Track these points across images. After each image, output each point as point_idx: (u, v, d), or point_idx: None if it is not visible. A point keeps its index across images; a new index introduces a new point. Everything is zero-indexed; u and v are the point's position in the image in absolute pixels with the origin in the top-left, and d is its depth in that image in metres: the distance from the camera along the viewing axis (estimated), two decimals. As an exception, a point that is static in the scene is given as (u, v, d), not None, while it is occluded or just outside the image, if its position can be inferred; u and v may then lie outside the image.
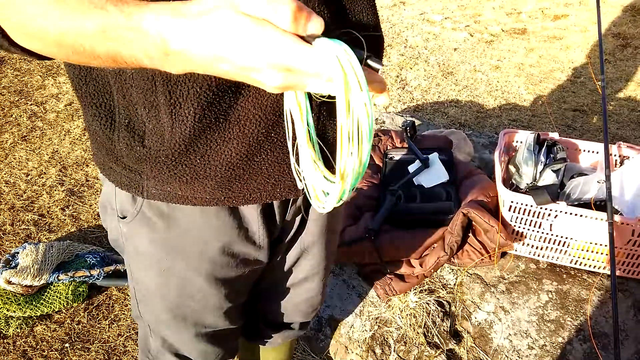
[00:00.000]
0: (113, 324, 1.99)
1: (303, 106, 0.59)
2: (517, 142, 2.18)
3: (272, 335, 1.34)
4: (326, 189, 0.61)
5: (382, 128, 2.72)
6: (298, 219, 1.03)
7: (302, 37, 0.47)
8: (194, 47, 0.51)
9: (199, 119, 0.73)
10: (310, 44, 0.46)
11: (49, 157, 2.73)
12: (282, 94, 0.75)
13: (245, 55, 0.49)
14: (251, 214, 0.92)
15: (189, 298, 1.00)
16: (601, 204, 1.78)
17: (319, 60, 0.47)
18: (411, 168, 2.20)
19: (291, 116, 0.62)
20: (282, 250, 1.08)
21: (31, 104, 3.17)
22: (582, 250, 1.82)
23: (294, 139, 0.67)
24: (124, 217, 0.92)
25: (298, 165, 0.68)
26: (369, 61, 0.49)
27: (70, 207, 2.42)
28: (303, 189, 0.88)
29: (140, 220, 0.90)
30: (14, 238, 2.27)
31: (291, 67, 0.48)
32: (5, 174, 2.60)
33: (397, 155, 2.30)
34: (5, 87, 3.32)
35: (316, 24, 0.48)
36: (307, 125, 0.60)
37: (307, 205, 1.01)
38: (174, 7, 0.51)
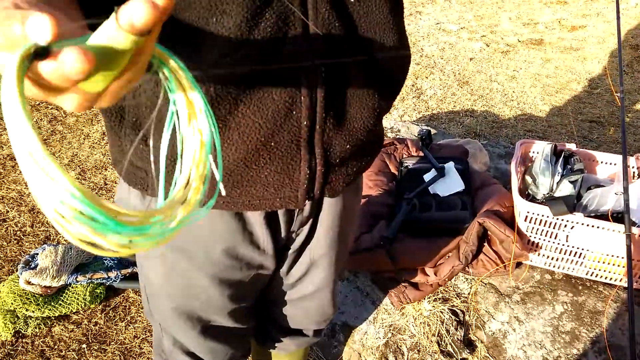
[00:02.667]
0: (129, 325, 2.02)
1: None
2: (533, 152, 2.18)
3: (283, 339, 1.34)
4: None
5: (398, 137, 2.73)
6: (306, 228, 1.02)
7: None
8: None
9: None
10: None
11: (69, 161, 2.77)
12: (284, 105, 0.75)
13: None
14: (255, 218, 0.92)
15: (193, 297, 1.01)
16: (619, 216, 1.77)
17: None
18: (427, 177, 2.21)
19: None
20: (289, 259, 1.07)
21: (52, 108, 3.22)
22: (599, 262, 1.82)
23: None
24: None
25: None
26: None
27: (89, 210, 2.46)
28: (305, 200, 0.87)
29: None
30: (34, 239, 2.31)
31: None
32: (26, 176, 2.66)
33: (412, 164, 2.31)
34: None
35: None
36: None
37: (316, 215, 1.01)
38: None
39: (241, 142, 0.77)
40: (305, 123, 0.78)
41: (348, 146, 0.86)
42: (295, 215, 0.97)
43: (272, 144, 0.79)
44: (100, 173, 2.70)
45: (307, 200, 0.88)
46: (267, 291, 1.17)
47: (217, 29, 0.68)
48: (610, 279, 1.85)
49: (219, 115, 0.75)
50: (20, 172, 2.66)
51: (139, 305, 2.08)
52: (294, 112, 0.77)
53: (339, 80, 0.79)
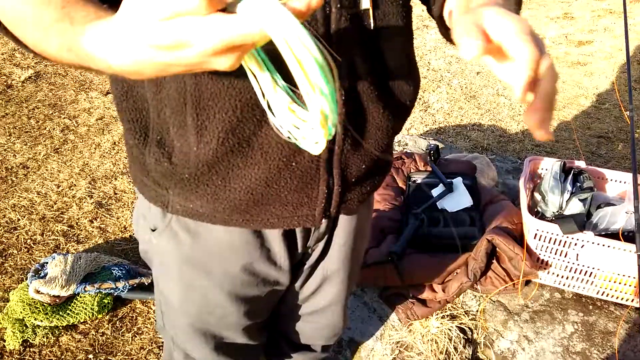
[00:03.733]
0: (136, 336, 2.02)
1: (259, 59, 0.54)
2: (542, 169, 2.19)
3: (292, 355, 1.35)
4: (306, 128, 0.54)
5: (406, 151, 2.74)
6: (321, 244, 1.04)
7: (224, 9, 0.44)
8: (134, 65, 0.50)
9: (222, 142, 0.76)
10: (234, 11, 0.44)
11: (80, 170, 2.79)
12: None
13: (183, 57, 0.47)
14: (273, 235, 0.94)
15: (208, 313, 1.02)
16: (629, 235, 1.77)
17: (249, 23, 0.44)
18: (435, 192, 2.21)
19: (254, 76, 0.57)
20: (303, 274, 1.08)
21: (64, 118, 3.25)
22: (609, 281, 1.81)
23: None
24: (154, 230, 0.96)
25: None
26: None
27: (98, 219, 2.47)
28: (322, 219, 0.90)
29: (169, 233, 0.94)
30: (44, 248, 2.32)
31: (230, 43, 0.45)
32: (37, 184, 2.67)
33: (420, 179, 2.31)
34: (40, 100, 3.41)
35: None
36: (269, 71, 0.54)
37: (331, 231, 1.03)
38: (113, 25, 0.50)
39: (263, 162, 0.79)
40: None
41: (364, 166, 0.88)
42: (312, 231, 0.99)
43: (294, 164, 0.81)
44: (110, 182, 2.71)
45: (323, 219, 0.90)
46: (280, 306, 1.18)
47: None
48: (622, 299, 1.85)
49: (243, 136, 0.77)
50: (32, 180, 2.68)
51: (145, 316, 2.08)
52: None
53: (357, 103, 0.81)
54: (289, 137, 0.57)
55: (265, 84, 0.55)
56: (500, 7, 0.57)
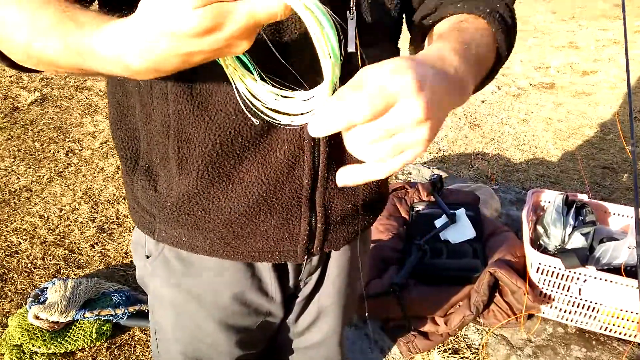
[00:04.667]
0: (134, 365, 2.00)
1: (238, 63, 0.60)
2: (545, 201, 2.18)
3: None
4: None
5: (409, 180, 2.74)
6: (314, 277, 1.02)
7: None
8: (156, 60, 0.51)
9: (202, 174, 0.78)
10: None
11: (83, 194, 2.80)
12: (287, 163, 0.79)
13: (212, 42, 0.49)
14: (264, 265, 0.94)
15: (200, 341, 1.01)
16: (632, 270, 1.76)
17: (272, 4, 0.47)
18: (438, 222, 2.20)
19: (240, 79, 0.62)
20: (297, 307, 1.07)
21: (69, 141, 3.27)
22: (612, 316, 1.79)
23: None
24: (149, 257, 0.97)
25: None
26: None
27: (100, 244, 2.47)
28: (305, 256, 0.89)
29: (162, 261, 0.94)
30: (44, 272, 2.31)
31: (258, 22, 0.48)
32: (40, 208, 2.68)
33: (423, 209, 2.31)
34: (45, 123, 3.44)
35: None
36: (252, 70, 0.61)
37: (325, 264, 1.02)
38: (128, 24, 0.51)
39: (243, 196, 0.80)
40: (307, 181, 0.81)
41: (349, 205, 0.88)
42: (304, 264, 0.98)
43: (274, 199, 0.82)
44: (112, 207, 2.72)
45: (305, 256, 0.90)
46: (276, 338, 1.17)
47: (229, 91, 0.72)
48: (625, 334, 1.82)
49: (223, 170, 0.78)
50: (35, 203, 2.69)
51: (144, 344, 2.06)
52: (296, 171, 0.80)
53: (341, 141, 0.81)
54: (289, 123, 0.61)
55: (248, 83, 0.61)
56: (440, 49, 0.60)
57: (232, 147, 0.76)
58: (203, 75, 0.72)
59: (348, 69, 0.76)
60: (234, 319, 0.98)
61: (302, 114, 0.60)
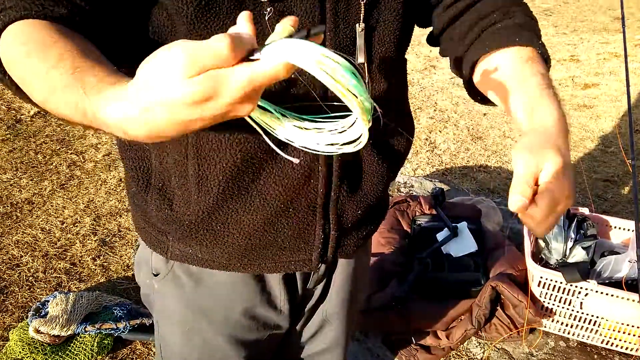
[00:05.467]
0: (135, 379, 1.99)
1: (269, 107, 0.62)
2: (546, 214, 2.18)
3: None
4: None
5: (411, 193, 2.74)
6: (320, 287, 1.04)
7: (246, 57, 0.48)
8: (155, 129, 0.50)
9: (223, 190, 0.79)
10: (254, 56, 0.48)
11: (85, 206, 2.81)
12: (303, 174, 0.81)
13: (211, 109, 0.48)
14: (274, 279, 0.95)
15: (209, 357, 1.01)
16: (633, 284, 1.75)
17: (272, 68, 0.47)
18: (440, 236, 2.20)
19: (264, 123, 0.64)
20: (303, 316, 1.09)
21: (71, 153, 3.29)
22: (614, 330, 1.78)
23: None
24: (157, 275, 0.97)
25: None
26: (312, 32, 0.50)
27: (101, 257, 2.47)
28: (319, 263, 0.92)
29: (171, 279, 0.95)
30: (46, 286, 2.31)
31: (258, 86, 0.48)
32: (42, 220, 2.68)
33: (425, 222, 2.31)
34: (48, 135, 3.46)
35: (248, 40, 0.48)
36: (274, 111, 0.63)
37: (330, 274, 1.04)
38: (128, 92, 0.51)
39: (262, 207, 0.82)
40: (321, 191, 0.84)
41: (359, 211, 0.91)
42: (312, 274, 1.00)
43: (290, 209, 0.83)
44: (114, 220, 2.72)
45: (320, 264, 0.92)
46: (281, 349, 1.17)
47: None
48: (627, 348, 1.81)
49: (242, 184, 0.79)
50: (36, 216, 2.70)
51: (145, 358, 2.06)
52: (312, 181, 0.82)
53: (353, 152, 0.83)
54: (333, 151, 0.63)
55: (275, 126, 0.62)
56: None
57: (251, 162, 0.78)
58: None
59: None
60: (244, 333, 0.99)
61: (343, 143, 0.61)
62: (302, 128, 0.62)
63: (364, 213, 0.92)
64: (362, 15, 0.77)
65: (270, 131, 0.63)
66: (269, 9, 0.69)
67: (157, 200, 0.85)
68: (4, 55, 0.61)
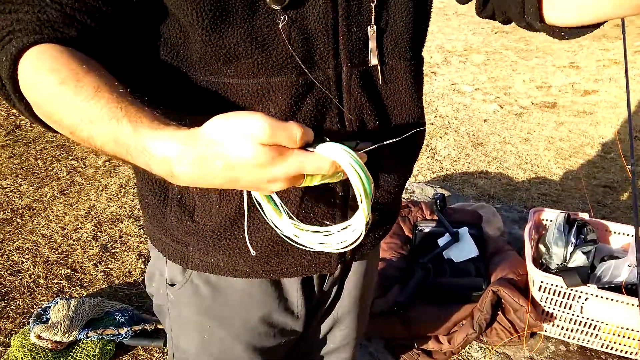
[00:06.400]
0: (136, 384, 1.99)
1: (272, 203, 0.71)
2: (546, 220, 2.18)
3: None
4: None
5: (412, 199, 2.75)
6: (334, 289, 1.06)
7: (304, 147, 0.57)
8: (202, 178, 0.55)
9: (243, 198, 0.79)
10: (312, 148, 0.57)
11: (86, 212, 2.81)
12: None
13: (261, 175, 0.55)
14: (292, 285, 0.96)
15: None
16: (632, 288, 1.76)
17: (323, 162, 0.56)
18: (441, 241, 2.21)
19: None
20: (317, 319, 1.10)
21: (72, 159, 3.30)
22: (614, 334, 1.79)
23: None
24: (173, 285, 0.97)
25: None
26: (358, 146, 0.61)
27: (103, 263, 2.48)
28: (338, 265, 0.93)
29: (189, 288, 0.95)
30: (47, 292, 2.32)
31: (302, 171, 0.57)
32: (42, 226, 2.69)
33: (426, 228, 2.31)
34: (48, 141, 3.47)
35: (310, 135, 0.57)
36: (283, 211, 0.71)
37: (343, 276, 1.05)
38: (187, 136, 0.55)
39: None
40: (340, 194, 0.85)
41: (376, 212, 0.92)
42: (327, 277, 1.01)
43: (311, 213, 0.84)
44: (116, 225, 2.73)
45: (339, 265, 0.94)
46: (292, 350, 1.18)
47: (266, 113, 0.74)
48: (627, 352, 1.81)
49: None
50: (37, 222, 2.70)
51: (147, 363, 2.06)
52: (331, 184, 0.83)
53: (370, 153, 0.84)
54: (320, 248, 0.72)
55: (274, 216, 0.72)
56: None
57: None
58: (235, 100, 0.74)
59: (370, 83, 0.80)
60: (261, 340, 1.00)
61: (345, 243, 0.70)
62: (297, 227, 0.71)
63: (380, 212, 0.94)
64: (373, 17, 0.77)
65: (270, 222, 0.72)
66: (282, 17, 0.71)
67: (177, 212, 0.85)
68: (26, 81, 0.61)
